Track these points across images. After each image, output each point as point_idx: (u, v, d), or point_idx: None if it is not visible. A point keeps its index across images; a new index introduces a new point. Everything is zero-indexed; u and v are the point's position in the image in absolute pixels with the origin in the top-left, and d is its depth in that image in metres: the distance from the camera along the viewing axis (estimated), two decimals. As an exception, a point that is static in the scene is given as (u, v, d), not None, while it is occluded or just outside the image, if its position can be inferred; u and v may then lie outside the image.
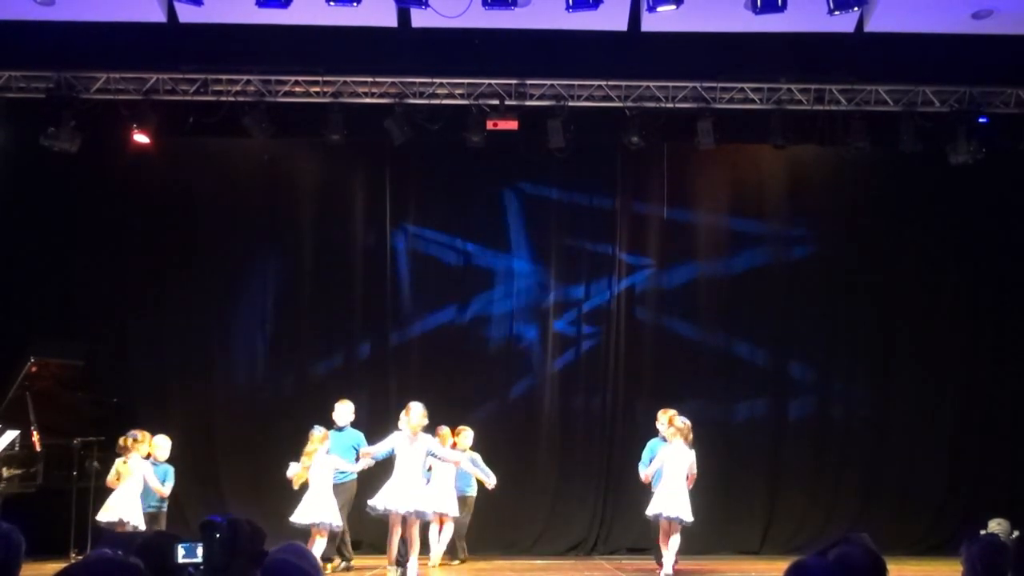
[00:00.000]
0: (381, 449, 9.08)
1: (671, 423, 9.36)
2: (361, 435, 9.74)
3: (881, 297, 11.70)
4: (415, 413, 8.88)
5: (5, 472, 9.43)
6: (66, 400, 10.31)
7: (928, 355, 11.62)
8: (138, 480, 9.12)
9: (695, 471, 9.38)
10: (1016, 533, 9.90)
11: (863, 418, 11.58)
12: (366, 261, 11.68)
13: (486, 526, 10.84)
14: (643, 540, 11.24)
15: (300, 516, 9.06)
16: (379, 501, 8.74)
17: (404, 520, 8.77)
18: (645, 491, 11.26)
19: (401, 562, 8.86)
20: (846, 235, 11.74)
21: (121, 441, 9.27)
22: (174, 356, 11.45)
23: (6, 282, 11.11)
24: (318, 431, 9.29)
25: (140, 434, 9.28)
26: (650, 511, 9.29)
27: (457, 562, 9.93)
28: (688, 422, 9.39)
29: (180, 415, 11.15)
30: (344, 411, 9.76)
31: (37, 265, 11.22)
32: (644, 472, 9.50)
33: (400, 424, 8.98)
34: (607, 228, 11.73)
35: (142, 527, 8.91)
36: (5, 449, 9.48)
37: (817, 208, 11.80)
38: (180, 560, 2.55)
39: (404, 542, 8.85)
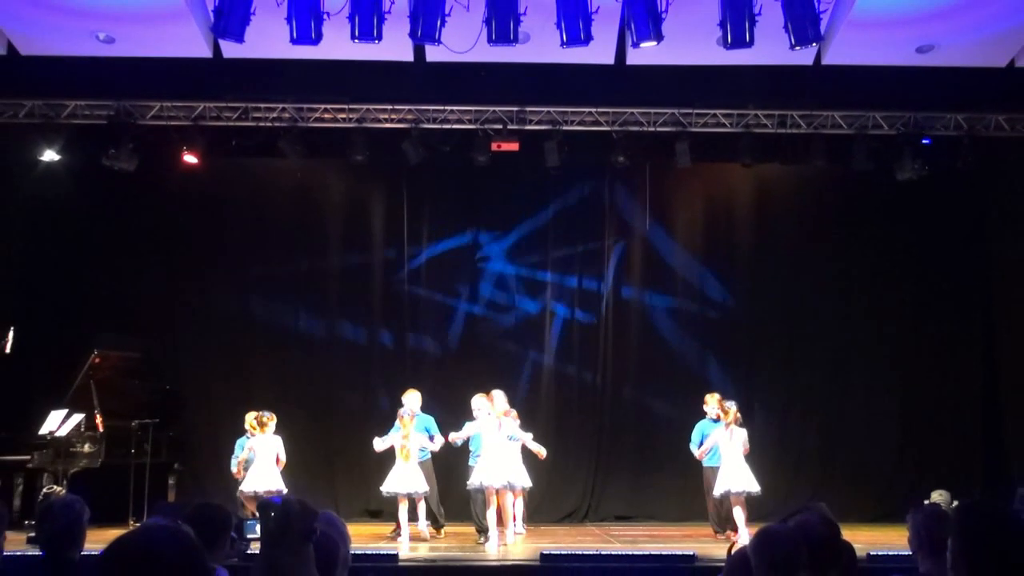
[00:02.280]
0: (465, 435, 9.09)
1: (722, 408, 9.32)
2: (431, 419, 9.54)
3: (837, 291, 11.69)
4: (499, 401, 9.00)
5: (73, 450, 9.44)
6: (125, 387, 10.32)
7: (879, 345, 11.61)
8: (269, 454, 9.14)
9: (747, 445, 9.30)
10: (955, 503, 9.88)
11: (822, 402, 11.56)
12: (386, 264, 11.69)
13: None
14: (630, 509, 11.27)
15: (391, 486, 9.02)
16: (476, 478, 8.80)
17: (497, 493, 8.79)
18: (631, 466, 11.33)
19: (483, 530, 8.89)
20: (807, 240, 11.72)
21: (254, 420, 9.27)
22: (218, 349, 11.46)
23: (73, 284, 11.12)
24: (407, 412, 9.19)
25: (267, 415, 9.30)
26: (718, 491, 9.21)
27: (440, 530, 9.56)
28: (734, 405, 9.34)
29: (223, 401, 11.15)
30: (413, 399, 9.55)
31: (100, 270, 11.23)
32: (697, 451, 9.54)
33: (479, 411, 8.97)
34: (597, 235, 11.73)
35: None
36: (73, 430, 9.49)
37: (780, 218, 11.80)
38: (248, 536, 2.60)
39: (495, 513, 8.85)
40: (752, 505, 11.17)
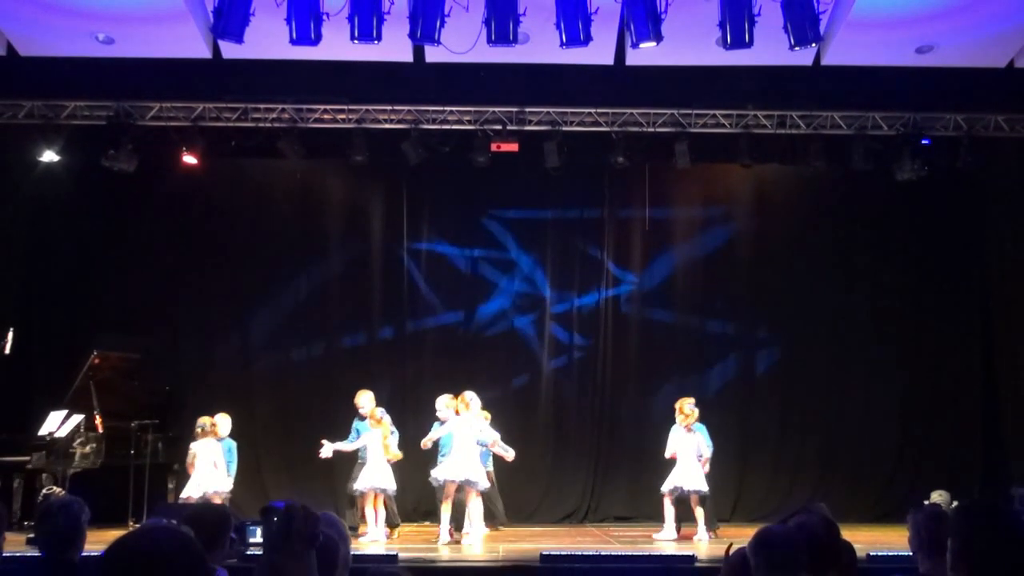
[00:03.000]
0: (436, 436, 9.18)
1: (681, 410, 9.52)
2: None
3: (836, 291, 11.69)
4: (475, 403, 9.12)
5: (73, 451, 9.43)
6: (125, 388, 10.30)
7: (878, 345, 11.61)
8: (208, 460, 9.19)
9: (703, 451, 9.44)
10: (955, 503, 9.88)
11: (822, 402, 11.56)
12: (385, 267, 11.69)
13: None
14: (629, 509, 11.28)
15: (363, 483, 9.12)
16: (440, 474, 8.90)
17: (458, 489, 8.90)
18: (630, 466, 11.33)
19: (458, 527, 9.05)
20: (807, 240, 11.73)
21: (205, 424, 9.32)
22: (218, 349, 11.46)
23: (72, 285, 11.11)
24: (381, 412, 9.31)
25: (210, 420, 9.33)
26: (667, 486, 9.40)
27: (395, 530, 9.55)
28: (689, 409, 9.46)
29: (223, 400, 11.13)
30: (369, 399, 9.71)
31: (99, 270, 11.22)
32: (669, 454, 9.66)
33: (445, 412, 9.14)
34: (596, 236, 11.74)
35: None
36: (73, 430, 9.48)
37: (780, 218, 11.80)
38: (251, 540, 2.59)
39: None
40: (749, 505, 11.22)
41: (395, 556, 7.53)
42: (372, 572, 2.66)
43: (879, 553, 7.12)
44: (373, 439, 9.21)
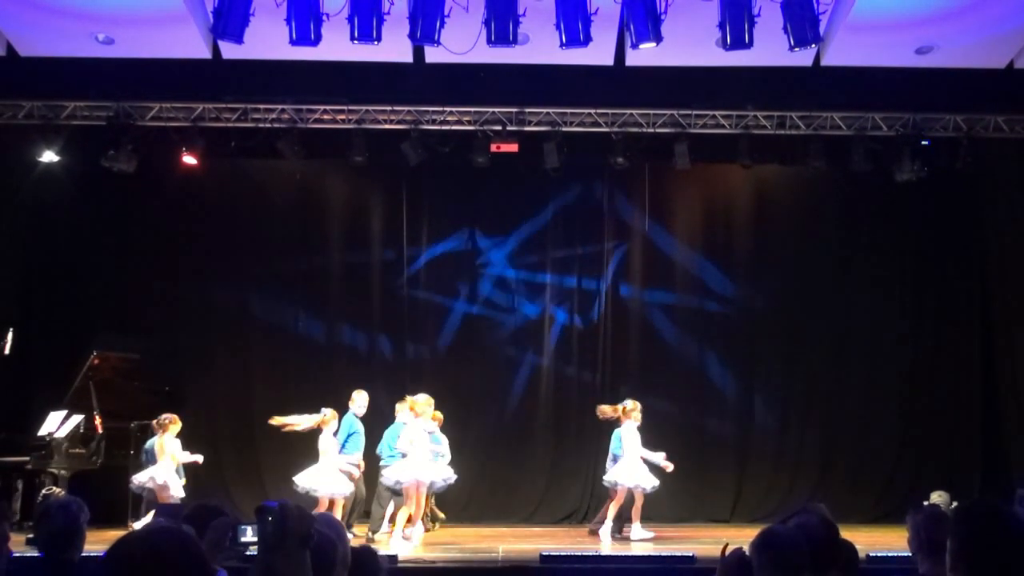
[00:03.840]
0: (408, 441, 9.11)
1: (624, 409, 9.62)
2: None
3: (836, 292, 11.69)
4: (430, 406, 9.14)
5: (72, 451, 9.43)
6: (124, 388, 10.31)
7: (878, 346, 11.61)
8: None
9: (632, 444, 9.46)
10: (954, 504, 9.88)
11: (822, 402, 11.56)
12: (385, 266, 11.69)
13: (489, 497, 10.84)
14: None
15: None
16: (407, 475, 8.85)
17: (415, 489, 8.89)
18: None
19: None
20: (806, 241, 11.73)
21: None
22: (218, 349, 11.45)
23: (72, 285, 11.11)
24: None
25: (169, 417, 9.30)
26: (608, 478, 9.52)
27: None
28: (631, 403, 9.62)
29: (223, 401, 11.16)
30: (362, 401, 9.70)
31: (99, 270, 11.21)
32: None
33: (402, 415, 9.18)
34: (596, 237, 11.74)
35: (180, 494, 9.00)
36: (72, 431, 9.48)
37: (779, 219, 11.80)
38: (242, 540, 2.57)
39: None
40: (750, 505, 11.22)
41: (395, 556, 7.52)
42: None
43: (878, 554, 7.12)
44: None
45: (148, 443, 9.39)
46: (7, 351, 10.19)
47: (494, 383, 11.39)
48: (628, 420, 9.58)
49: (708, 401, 11.59)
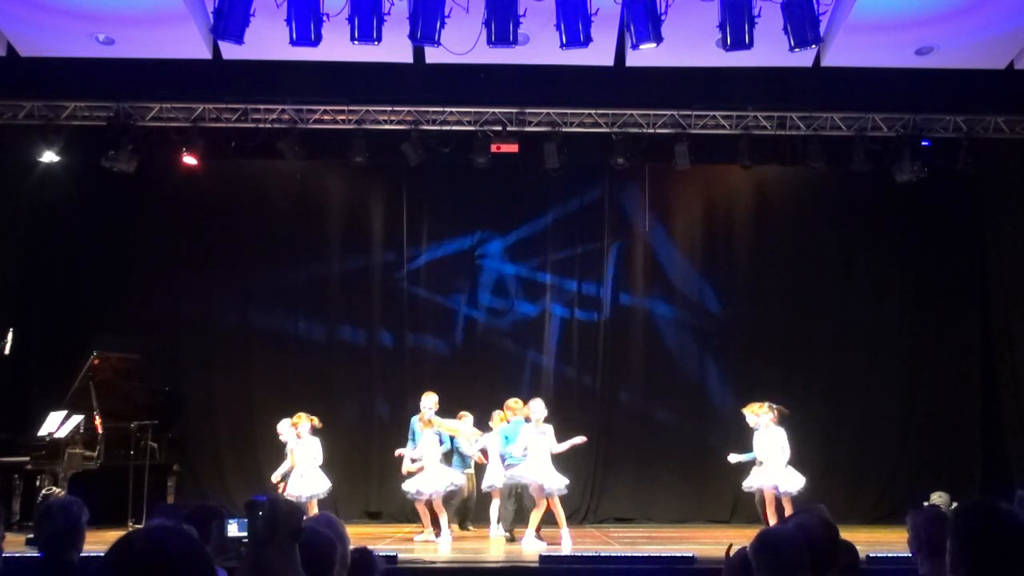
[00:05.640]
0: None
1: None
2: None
3: (836, 292, 11.69)
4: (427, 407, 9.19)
5: (72, 452, 9.43)
6: (124, 389, 10.29)
7: (878, 346, 11.61)
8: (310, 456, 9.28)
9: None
10: (954, 505, 9.87)
11: (822, 403, 11.55)
12: (386, 265, 11.69)
13: (489, 498, 10.81)
14: (629, 511, 11.28)
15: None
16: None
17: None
18: (630, 468, 11.33)
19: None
20: (806, 242, 11.73)
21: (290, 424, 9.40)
22: (218, 350, 11.45)
23: (72, 285, 11.11)
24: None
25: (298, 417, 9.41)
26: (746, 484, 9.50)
27: None
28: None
29: (222, 402, 11.15)
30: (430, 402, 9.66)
31: (99, 271, 11.21)
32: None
33: (515, 418, 9.15)
34: (596, 237, 11.73)
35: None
36: (72, 431, 9.48)
37: (780, 219, 11.80)
38: (230, 534, 2.56)
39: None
40: (751, 506, 11.20)
41: (394, 556, 7.52)
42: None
43: (879, 554, 7.12)
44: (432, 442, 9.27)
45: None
46: (7, 351, 10.18)
47: (494, 383, 11.37)
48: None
49: (708, 401, 11.58)
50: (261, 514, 2.51)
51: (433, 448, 9.25)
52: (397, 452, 9.54)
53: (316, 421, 9.39)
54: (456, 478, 9.31)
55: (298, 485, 9.10)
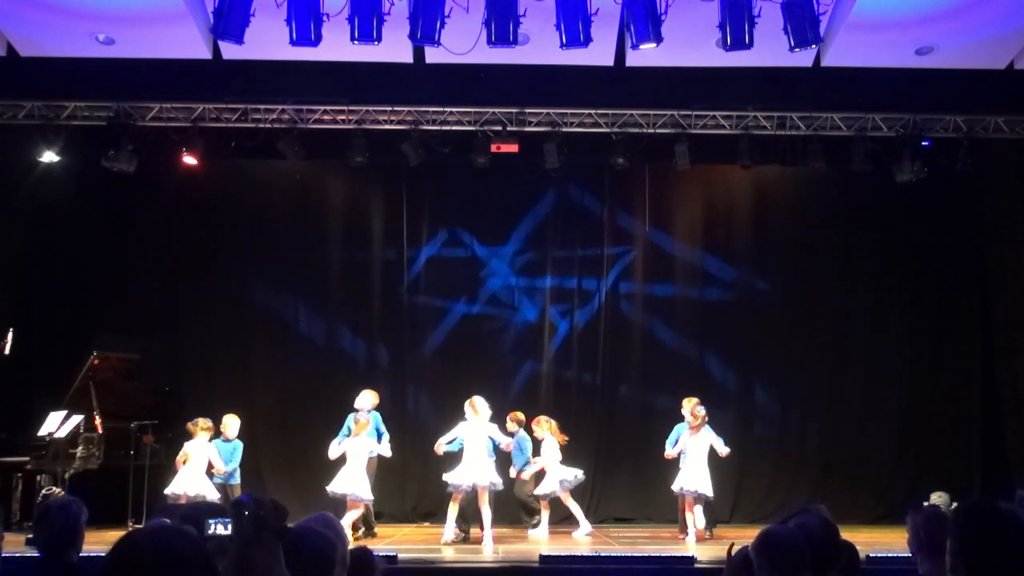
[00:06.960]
0: (450, 439, 9.31)
1: (692, 412, 9.64)
2: (379, 416, 9.83)
3: (836, 293, 11.68)
4: (482, 407, 9.24)
5: (72, 452, 9.43)
6: (124, 389, 10.30)
7: (878, 346, 11.61)
8: (201, 459, 9.33)
9: (723, 448, 9.63)
10: (954, 505, 9.87)
11: (822, 402, 11.55)
12: (386, 265, 11.69)
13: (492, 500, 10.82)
14: (629, 511, 11.27)
15: (336, 487, 9.14)
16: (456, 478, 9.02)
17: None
18: (630, 468, 11.33)
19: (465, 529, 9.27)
20: (806, 242, 11.72)
21: (188, 426, 9.47)
22: (218, 350, 11.45)
23: (72, 285, 11.10)
24: (363, 416, 9.39)
25: (202, 420, 9.46)
26: (674, 486, 9.57)
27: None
28: (702, 409, 9.68)
29: (223, 401, 11.12)
30: (368, 398, 9.78)
31: (99, 271, 11.21)
32: (669, 452, 9.75)
33: (467, 415, 9.24)
34: (596, 237, 11.74)
35: (211, 497, 9.07)
36: (72, 431, 9.48)
37: (780, 219, 11.80)
38: (210, 532, 2.55)
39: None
40: (749, 506, 11.21)
41: (394, 556, 7.52)
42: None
43: (879, 554, 7.12)
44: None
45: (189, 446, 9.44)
46: (7, 351, 10.19)
47: (494, 383, 11.36)
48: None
49: (707, 402, 11.48)
50: (248, 513, 2.51)
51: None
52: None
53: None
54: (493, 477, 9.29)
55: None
